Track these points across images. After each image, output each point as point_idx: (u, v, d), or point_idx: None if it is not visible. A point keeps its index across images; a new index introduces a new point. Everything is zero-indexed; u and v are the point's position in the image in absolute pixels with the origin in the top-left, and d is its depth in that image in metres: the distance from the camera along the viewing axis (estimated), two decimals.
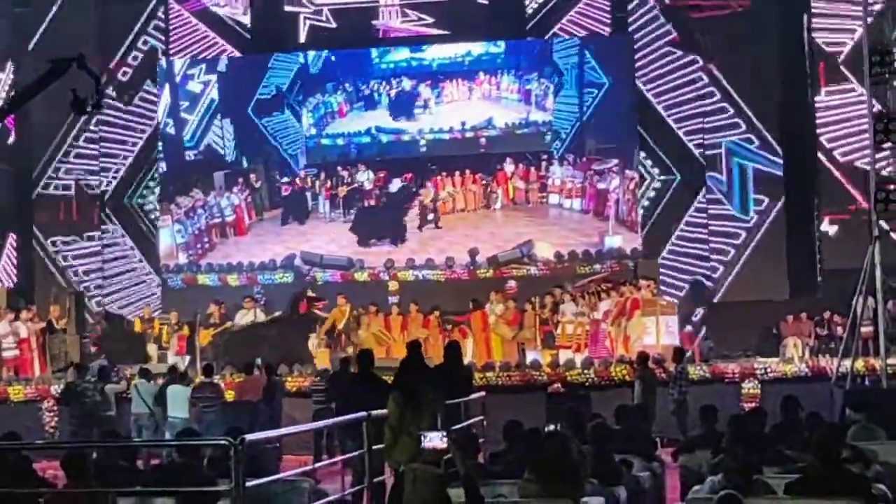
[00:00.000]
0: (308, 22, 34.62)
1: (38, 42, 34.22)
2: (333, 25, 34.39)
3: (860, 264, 21.82)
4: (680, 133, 32.76)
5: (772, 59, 32.22)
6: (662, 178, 33.04)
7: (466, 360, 24.31)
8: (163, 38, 35.16)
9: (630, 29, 33.23)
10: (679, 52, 32.80)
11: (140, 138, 34.98)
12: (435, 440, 10.91)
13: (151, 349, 29.64)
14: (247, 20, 34.94)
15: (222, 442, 9.90)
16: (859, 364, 23.26)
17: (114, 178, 34.84)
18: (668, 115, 32.87)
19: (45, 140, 34.55)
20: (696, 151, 32.58)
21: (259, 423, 20.22)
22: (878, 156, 22.15)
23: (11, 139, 34.69)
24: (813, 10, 31.45)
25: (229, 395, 23.77)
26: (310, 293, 29.60)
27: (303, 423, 20.24)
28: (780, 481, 10.45)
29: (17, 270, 34.64)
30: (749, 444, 11.15)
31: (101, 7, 34.64)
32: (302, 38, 34.78)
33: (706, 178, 32.43)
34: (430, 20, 34.12)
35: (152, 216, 34.95)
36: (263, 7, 34.82)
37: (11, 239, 34.61)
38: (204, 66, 35.00)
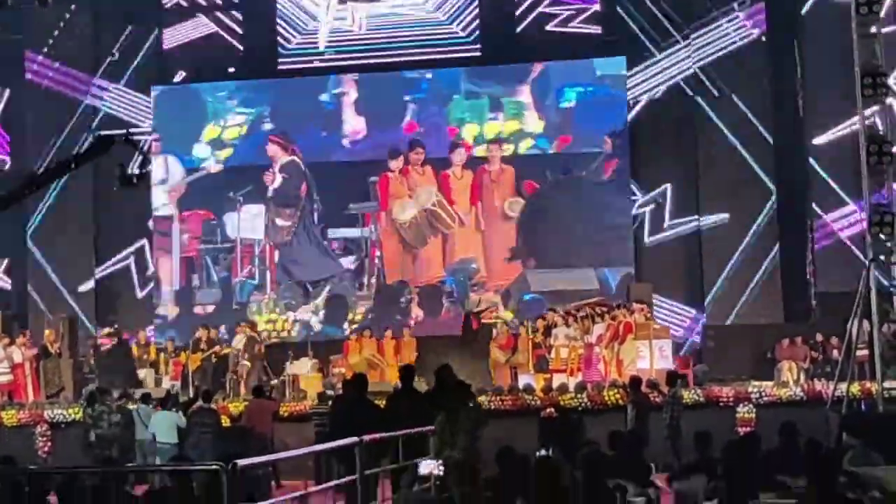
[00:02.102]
0: None
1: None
2: None
3: (855, 287, 21.83)
4: None
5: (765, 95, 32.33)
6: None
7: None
8: None
9: None
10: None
11: None
12: (430, 466, 10.91)
13: (148, 374, 29.58)
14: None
15: (213, 467, 9.84)
16: (855, 388, 23.25)
17: None
18: None
19: None
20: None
21: (254, 449, 20.13)
22: (871, 178, 22.10)
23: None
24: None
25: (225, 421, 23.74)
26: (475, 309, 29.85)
27: (296, 448, 20.16)
28: None
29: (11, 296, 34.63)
30: (744, 470, 11.11)
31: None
32: None
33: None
34: None
35: None
36: None
37: (4, 263, 34.61)
38: None
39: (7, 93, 35.12)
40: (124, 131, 14.95)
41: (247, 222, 34.91)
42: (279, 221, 34.85)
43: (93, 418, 22.61)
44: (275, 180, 34.85)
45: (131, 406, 23.53)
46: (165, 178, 35.09)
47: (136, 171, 14.61)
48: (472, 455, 13.74)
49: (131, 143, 14.97)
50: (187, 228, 35.20)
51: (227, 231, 35.04)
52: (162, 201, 35.16)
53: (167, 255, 35.15)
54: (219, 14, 35.57)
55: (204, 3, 35.57)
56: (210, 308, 34.60)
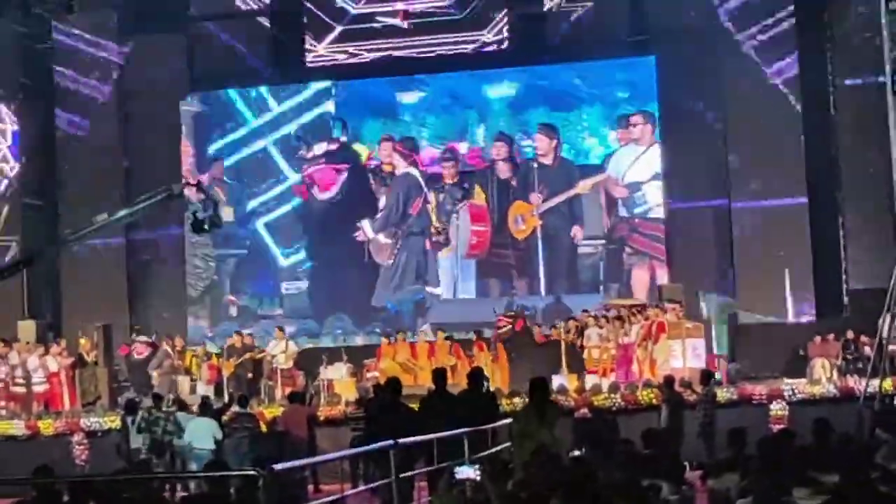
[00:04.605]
0: None
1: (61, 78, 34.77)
2: None
3: (886, 284, 21.77)
4: None
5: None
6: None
7: (493, 386, 24.39)
8: None
9: None
10: None
11: None
12: (467, 472, 11.01)
13: (183, 380, 29.72)
14: None
15: (250, 472, 9.93)
16: (888, 384, 23.20)
17: None
18: None
19: None
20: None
21: (290, 454, 20.25)
22: None
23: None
24: None
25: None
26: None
27: (331, 453, 20.25)
28: (810, 503, 10.42)
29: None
30: (777, 467, 11.13)
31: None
32: None
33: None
34: None
35: None
36: None
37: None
38: None
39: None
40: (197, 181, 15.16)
41: None
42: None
43: (147, 422, 22.70)
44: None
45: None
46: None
47: (207, 218, 14.75)
48: (560, 444, 14.78)
49: (204, 193, 15.22)
50: None
51: None
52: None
53: None
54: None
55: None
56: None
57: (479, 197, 34.40)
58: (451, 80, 35.05)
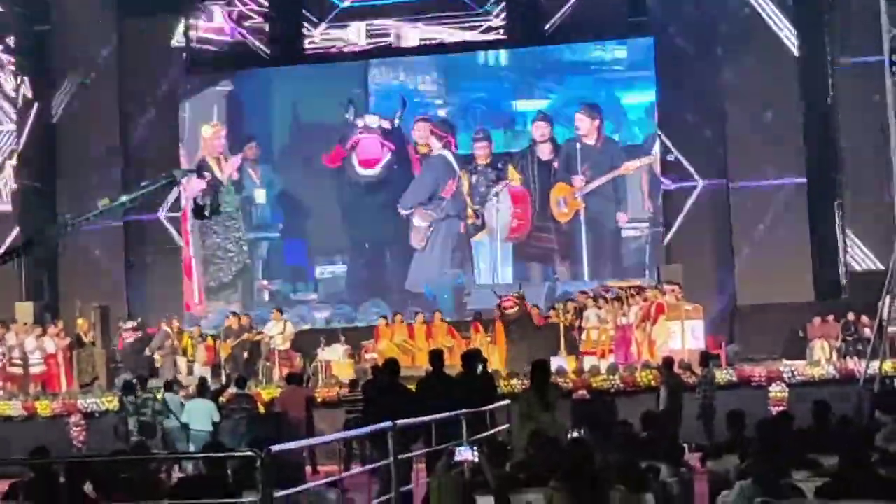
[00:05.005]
0: None
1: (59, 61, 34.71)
2: None
3: (886, 265, 21.74)
4: None
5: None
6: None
7: (491, 368, 24.33)
8: None
9: None
10: None
11: None
12: (466, 454, 10.98)
13: (180, 361, 29.69)
14: None
15: (248, 454, 9.89)
16: (887, 365, 23.19)
17: None
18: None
19: None
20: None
21: (288, 435, 20.20)
22: None
23: None
24: None
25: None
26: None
27: (330, 434, 20.24)
28: (810, 485, 10.40)
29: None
30: (777, 449, 11.10)
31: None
32: None
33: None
34: None
35: None
36: None
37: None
38: None
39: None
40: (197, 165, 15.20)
41: None
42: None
43: (135, 406, 22.69)
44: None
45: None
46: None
47: (207, 204, 14.74)
48: (560, 426, 14.90)
49: (204, 178, 15.25)
50: None
51: None
52: None
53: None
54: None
55: None
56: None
57: (513, 178, 33.60)
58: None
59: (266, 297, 34.62)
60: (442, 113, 34.46)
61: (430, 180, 34.15)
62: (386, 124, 34.29)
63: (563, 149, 33.52)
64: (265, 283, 34.92)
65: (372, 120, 34.35)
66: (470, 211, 33.81)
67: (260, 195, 34.79)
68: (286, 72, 35.28)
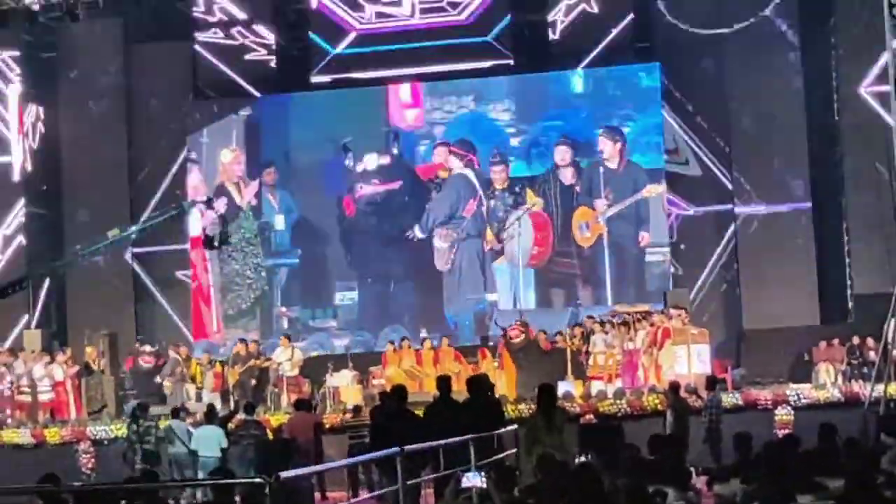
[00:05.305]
0: None
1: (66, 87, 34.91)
2: None
3: (891, 289, 21.79)
4: None
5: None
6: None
7: (498, 393, 24.38)
8: None
9: None
10: None
11: None
12: (474, 479, 11.03)
13: (189, 388, 29.72)
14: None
15: (257, 480, 9.95)
16: (893, 388, 23.21)
17: None
18: None
19: None
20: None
21: (296, 461, 20.25)
22: None
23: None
24: None
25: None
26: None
27: (337, 460, 20.29)
28: None
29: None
30: (783, 472, 11.14)
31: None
32: None
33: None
34: None
35: None
36: None
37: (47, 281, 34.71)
38: None
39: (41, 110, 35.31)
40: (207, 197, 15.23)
41: None
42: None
43: (138, 434, 22.77)
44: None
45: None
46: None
47: (217, 234, 14.89)
48: (568, 449, 15.12)
49: (214, 210, 15.40)
50: None
51: None
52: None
53: None
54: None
55: None
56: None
57: (531, 202, 33.23)
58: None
59: (285, 323, 34.32)
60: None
61: (449, 200, 33.93)
62: (385, 160, 34.25)
63: (585, 172, 33.33)
64: (283, 309, 34.67)
65: (370, 160, 34.23)
66: (490, 236, 33.61)
67: (279, 221, 34.58)
68: (303, 97, 35.03)
